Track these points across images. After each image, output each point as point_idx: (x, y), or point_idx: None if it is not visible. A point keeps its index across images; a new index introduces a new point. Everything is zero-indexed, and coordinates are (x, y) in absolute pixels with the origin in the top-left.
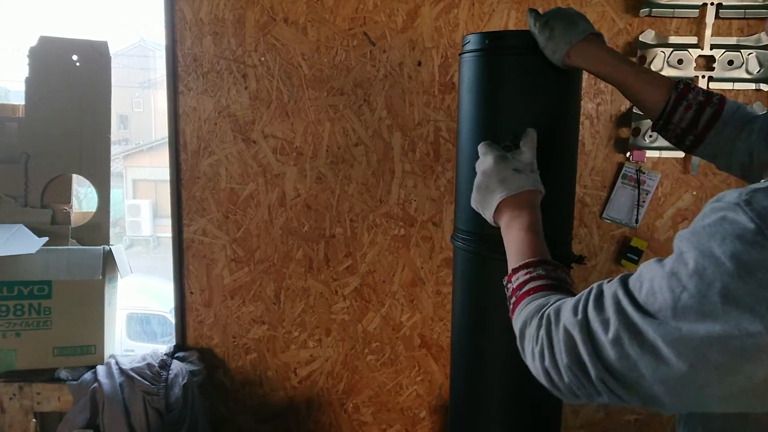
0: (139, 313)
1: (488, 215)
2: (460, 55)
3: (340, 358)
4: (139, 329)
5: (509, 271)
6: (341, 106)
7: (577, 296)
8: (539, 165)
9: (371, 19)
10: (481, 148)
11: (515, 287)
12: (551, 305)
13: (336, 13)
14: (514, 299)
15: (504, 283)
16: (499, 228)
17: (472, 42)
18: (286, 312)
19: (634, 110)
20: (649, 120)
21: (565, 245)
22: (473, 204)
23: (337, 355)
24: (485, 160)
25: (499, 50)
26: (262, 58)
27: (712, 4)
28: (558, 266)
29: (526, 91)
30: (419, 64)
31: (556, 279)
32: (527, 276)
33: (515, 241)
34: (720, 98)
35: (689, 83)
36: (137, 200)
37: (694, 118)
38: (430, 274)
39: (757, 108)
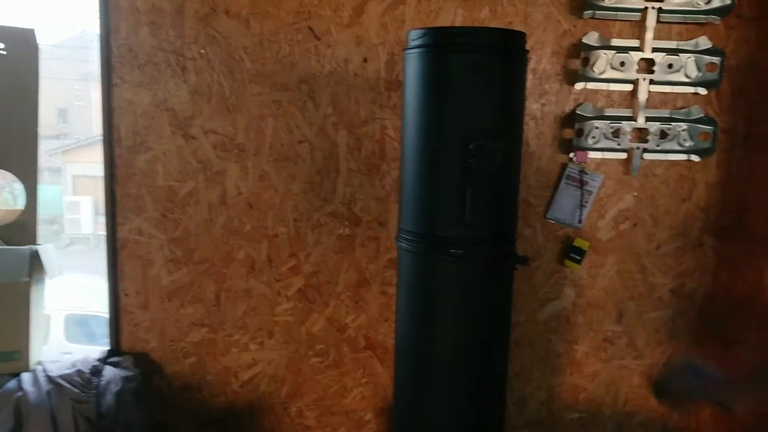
0: (77, 315)
1: None
2: (404, 51)
3: (284, 361)
4: (78, 331)
5: None
6: (285, 101)
7: None
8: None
9: (316, 13)
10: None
11: None
12: None
13: (280, 6)
14: None
15: None
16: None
17: (417, 38)
18: (227, 314)
19: (578, 111)
20: (591, 120)
21: (510, 245)
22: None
23: (280, 357)
24: None
25: (446, 46)
26: (203, 51)
27: (653, 8)
28: None
29: (472, 88)
30: (365, 60)
31: None
32: None
33: None
34: None
35: None
36: (77, 197)
37: None
38: (376, 275)
39: (694, 111)
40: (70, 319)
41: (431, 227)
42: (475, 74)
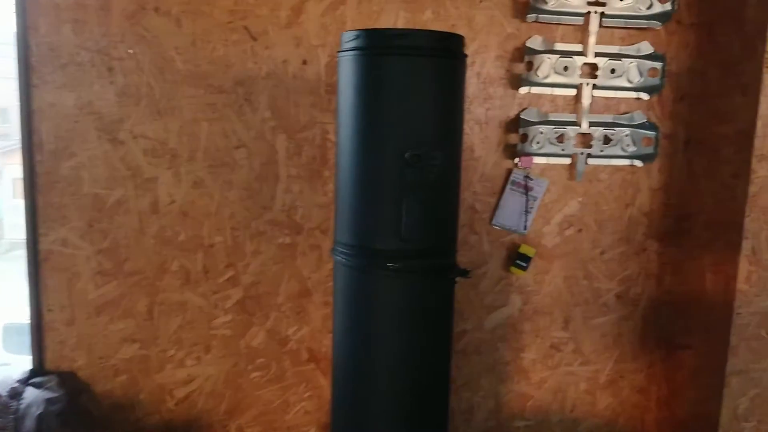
0: (17, 324)
1: None
2: (338, 53)
3: (222, 377)
4: (18, 341)
5: None
6: (220, 105)
7: None
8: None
9: (252, 12)
10: None
11: None
12: None
13: (213, 5)
14: None
15: None
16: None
17: (350, 39)
18: (160, 329)
19: (522, 116)
20: (536, 125)
21: (450, 258)
22: None
23: (219, 373)
24: None
25: (380, 49)
26: (131, 51)
27: (596, 12)
28: None
29: (408, 94)
30: (305, 62)
31: None
32: None
33: None
34: None
35: None
36: (18, 200)
37: None
38: (318, 285)
39: (637, 117)
40: (9, 329)
41: (368, 240)
42: (411, 79)
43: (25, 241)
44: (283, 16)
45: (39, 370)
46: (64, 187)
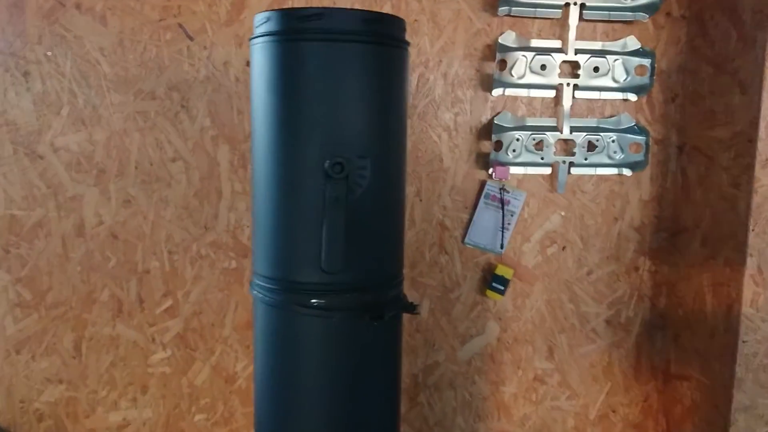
0: None
1: None
2: (250, 40)
3: (161, 420)
4: None
5: None
6: (153, 113)
7: None
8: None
9: (188, 8)
10: None
11: None
12: None
13: (143, 1)
14: None
15: None
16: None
17: (261, 23)
18: (89, 367)
19: (495, 121)
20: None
21: (391, 290)
22: None
23: (158, 416)
24: None
25: (295, 33)
26: (49, 53)
27: (575, 4)
28: None
29: (330, 89)
30: (248, 64)
31: None
32: None
33: None
34: None
35: None
36: None
37: None
38: None
39: (624, 120)
40: None
41: (287, 271)
42: (331, 70)
43: None
44: (222, 12)
45: None
46: None
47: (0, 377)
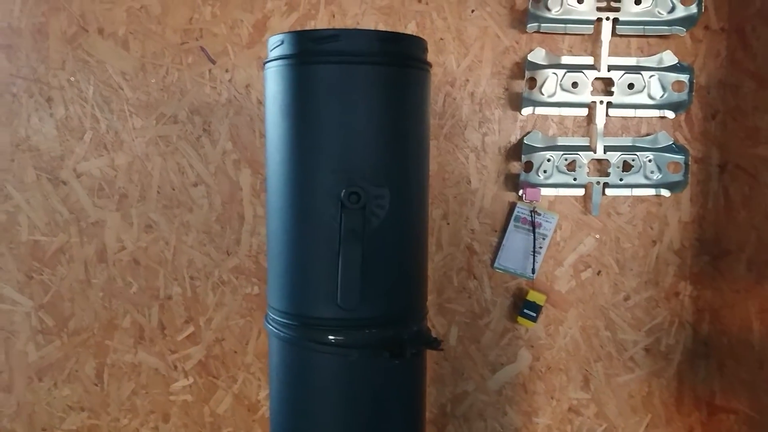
0: None
1: None
2: (264, 63)
3: None
4: None
5: None
6: (175, 137)
7: None
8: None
9: (209, 31)
10: None
11: None
12: None
13: (164, 24)
14: None
15: None
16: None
17: (275, 46)
18: (111, 395)
19: (525, 141)
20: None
21: (413, 324)
22: None
23: None
24: None
25: (311, 56)
26: (72, 78)
27: (607, 18)
28: None
29: (346, 111)
30: None
31: None
32: None
33: None
34: None
35: None
36: None
37: None
38: None
39: (662, 138)
40: None
41: (302, 306)
42: (349, 94)
43: None
44: (244, 34)
45: None
46: None
47: (22, 404)
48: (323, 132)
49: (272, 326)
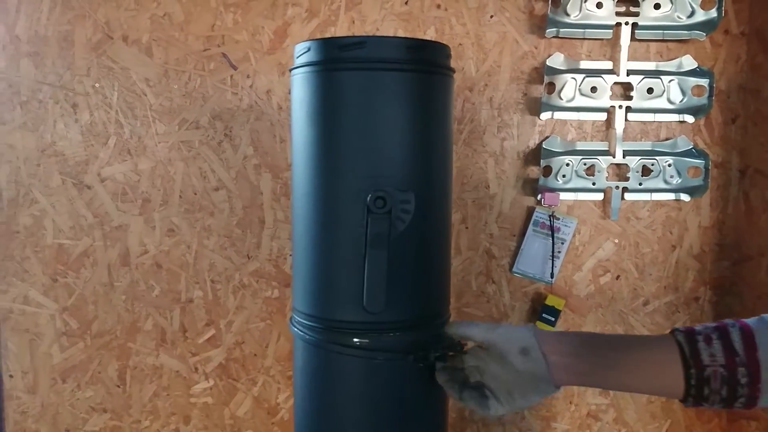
0: None
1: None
2: (290, 70)
3: None
4: None
5: (682, 370)
6: (197, 142)
7: None
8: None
9: (231, 38)
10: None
11: (726, 359)
12: None
13: (187, 31)
14: (743, 369)
15: (692, 394)
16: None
17: (301, 53)
18: (133, 396)
19: (544, 146)
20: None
21: (438, 328)
22: (505, 411)
23: None
24: (503, 400)
25: (336, 63)
26: (97, 85)
27: (626, 23)
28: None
29: (371, 117)
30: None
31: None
32: (715, 340)
33: (618, 365)
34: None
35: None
36: None
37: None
38: None
39: (681, 143)
40: None
41: (327, 309)
42: (375, 100)
43: None
44: (265, 40)
45: None
46: (25, 238)
47: (46, 405)
48: (349, 137)
49: (297, 329)
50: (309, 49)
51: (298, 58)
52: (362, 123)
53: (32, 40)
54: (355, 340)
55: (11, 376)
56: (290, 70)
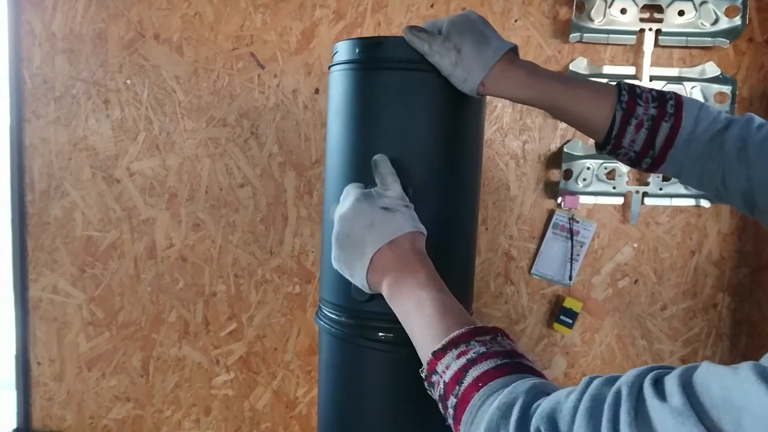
0: None
1: (360, 278)
2: (329, 68)
3: None
4: None
5: (428, 357)
6: (223, 139)
7: (579, 389)
8: (428, 217)
9: (259, 38)
10: (344, 190)
11: (450, 380)
12: (533, 404)
13: (217, 31)
14: (454, 399)
15: (424, 376)
16: (380, 298)
17: (342, 51)
18: (156, 387)
19: (565, 149)
20: (581, 160)
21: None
22: (336, 265)
23: None
24: (343, 203)
25: (377, 62)
26: (128, 81)
27: (650, 29)
28: (496, 331)
29: (402, 116)
30: (317, 91)
31: (505, 353)
32: (463, 359)
33: (418, 310)
34: (675, 105)
35: (635, 89)
36: None
37: (648, 138)
38: None
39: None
40: None
41: (355, 300)
42: (410, 99)
43: (12, 288)
44: (293, 41)
45: (25, 429)
46: (55, 230)
47: (72, 393)
48: (383, 134)
49: (323, 322)
50: (348, 48)
51: (336, 55)
52: (396, 121)
53: (67, 38)
54: (380, 334)
55: (39, 364)
56: (329, 67)
